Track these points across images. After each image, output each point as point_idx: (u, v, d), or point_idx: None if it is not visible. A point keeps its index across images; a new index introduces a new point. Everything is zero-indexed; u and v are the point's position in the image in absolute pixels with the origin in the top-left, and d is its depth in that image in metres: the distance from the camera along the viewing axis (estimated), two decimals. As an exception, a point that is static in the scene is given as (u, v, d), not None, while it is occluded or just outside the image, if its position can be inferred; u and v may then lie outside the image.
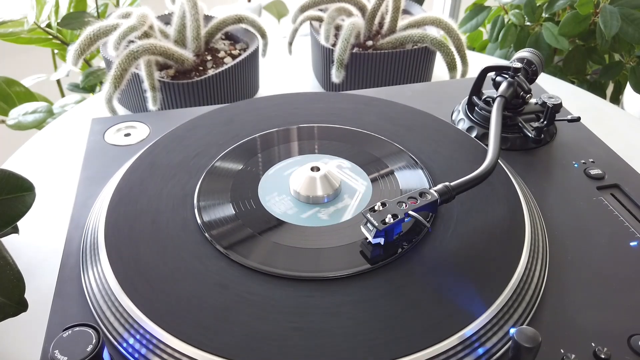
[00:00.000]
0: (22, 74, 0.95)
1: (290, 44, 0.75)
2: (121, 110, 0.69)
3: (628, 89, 1.00)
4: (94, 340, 0.29)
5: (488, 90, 0.54)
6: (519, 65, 0.50)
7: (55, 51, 0.98)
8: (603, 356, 0.32)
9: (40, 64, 1.03)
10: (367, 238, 0.37)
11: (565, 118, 0.51)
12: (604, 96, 0.98)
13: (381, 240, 0.37)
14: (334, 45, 0.68)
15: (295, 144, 0.49)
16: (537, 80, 0.56)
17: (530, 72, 0.52)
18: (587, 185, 0.46)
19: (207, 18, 0.71)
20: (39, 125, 0.81)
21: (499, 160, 0.43)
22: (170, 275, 0.36)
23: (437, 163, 0.46)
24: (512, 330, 0.31)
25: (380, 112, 0.53)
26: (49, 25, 0.90)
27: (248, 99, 0.66)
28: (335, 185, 0.42)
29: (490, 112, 0.49)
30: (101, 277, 0.36)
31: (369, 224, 0.36)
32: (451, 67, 0.68)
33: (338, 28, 0.70)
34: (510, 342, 0.32)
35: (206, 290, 0.35)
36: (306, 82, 0.78)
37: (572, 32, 0.88)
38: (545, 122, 0.50)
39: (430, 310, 0.33)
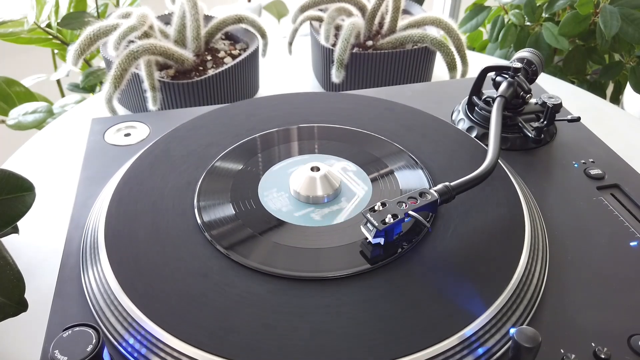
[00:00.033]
0: (22, 74, 0.95)
1: (290, 44, 0.75)
2: (121, 110, 0.69)
3: (628, 89, 1.00)
4: (94, 340, 0.29)
5: (488, 90, 0.54)
6: (519, 65, 0.50)
7: (55, 51, 0.98)
8: (603, 356, 0.32)
9: (40, 64, 1.03)
10: (367, 238, 0.37)
11: (565, 118, 0.51)
12: (604, 96, 0.98)
13: (381, 240, 0.37)
14: (334, 45, 0.68)
15: (295, 144, 0.49)
16: (537, 80, 0.56)
17: (530, 72, 0.52)
18: (587, 185, 0.46)
19: (207, 18, 0.71)
20: (39, 125, 0.81)
21: (499, 160, 0.43)
22: (170, 275, 0.36)
23: (437, 163, 0.46)
24: (512, 330, 0.31)
25: (380, 112, 0.53)
26: (49, 25, 0.90)
27: (248, 99, 0.66)
28: (335, 186, 0.42)
29: (490, 112, 0.49)
30: (101, 277, 0.36)
31: (369, 224, 0.36)
32: (451, 67, 0.68)
33: (338, 28, 0.70)
34: (510, 342, 0.32)
35: (206, 290, 0.35)
36: (306, 82, 0.78)
37: (572, 32, 0.88)
38: (545, 122, 0.50)
39: (430, 310, 0.33)
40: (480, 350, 0.32)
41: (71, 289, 0.37)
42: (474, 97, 0.54)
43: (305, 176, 0.42)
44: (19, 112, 0.81)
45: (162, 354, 0.32)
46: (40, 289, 0.44)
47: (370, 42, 0.72)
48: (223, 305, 0.34)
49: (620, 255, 0.40)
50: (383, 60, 0.67)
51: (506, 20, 0.98)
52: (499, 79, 0.51)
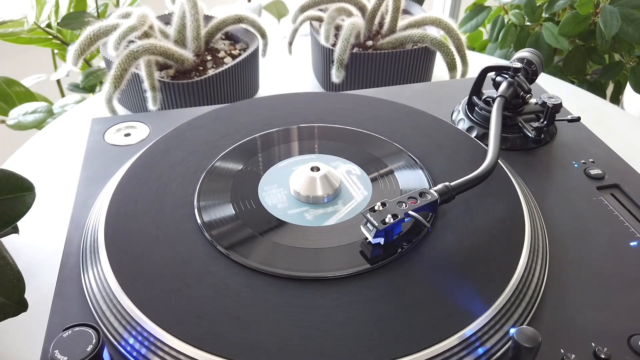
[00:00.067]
0: (22, 74, 0.95)
1: (290, 44, 0.75)
2: (121, 110, 0.69)
3: (628, 89, 1.00)
4: (94, 340, 0.29)
5: (488, 90, 0.54)
6: (519, 65, 0.50)
7: (55, 51, 0.98)
8: (603, 356, 0.32)
9: (40, 64, 1.03)
10: (367, 238, 0.37)
11: (565, 118, 0.51)
12: (604, 96, 0.98)
13: (381, 240, 0.37)
14: (334, 45, 0.68)
15: (295, 144, 0.49)
16: (537, 80, 0.56)
17: (530, 72, 0.52)
18: (587, 185, 0.46)
19: (207, 18, 0.71)
20: (39, 125, 0.81)
21: (499, 160, 0.43)
22: (170, 275, 0.36)
23: (437, 163, 0.46)
24: (512, 330, 0.31)
25: (380, 112, 0.53)
26: (49, 25, 0.90)
27: (248, 99, 0.66)
28: (335, 186, 0.42)
29: (490, 112, 0.49)
30: (101, 277, 0.36)
31: (369, 224, 0.36)
32: (451, 67, 0.68)
33: (338, 28, 0.70)
34: (510, 342, 0.32)
35: (206, 290, 0.35)
36: (306, 82, 0.78)
37: (572, 32, 0.88)
38: (545, 122, 0.50)
39: (430, 310, 0.33)
40: (480, 350, 0.32)
41: (71, 289, 0.37)
42: (474, 97, 0.54)
43: (305, 176, 0.42)
44: (19, 112, 0.82)
45: (162, 354, 0.32)
46: (40, 289, 0.44)
47: (370, 42, 0.72)
48: (223, 305, 0.34)
49: (620, 255, 0.40)
50: (383, 60, 0.67)
51: (506, 20, 0.98)
52: (499, 79, 0.51)
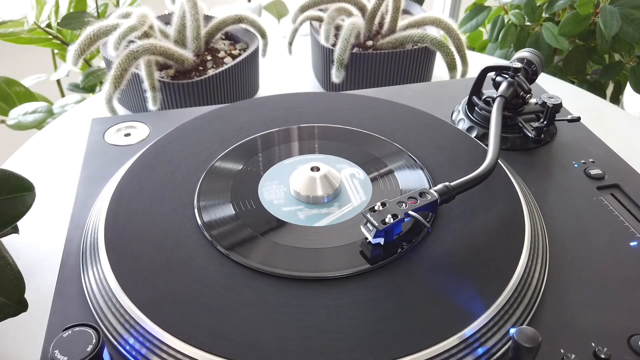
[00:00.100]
0: (22, 74, 0.95)
1: (290, 44, 0.75)
2: (121, 110, 0.69)
3: (628, 89, 1.00)
4: (94, 340, 0.29)
5: (488, 90, 0.54)
6: (519, 65, 0.50)
7: (55, 51, 0.98)
8: (603, 356, 0.32)
9: (40, 64, 1.03)
10: (367, 238, 0.37)
11: (565, 118, 0.51)
12: (604, 96, 0.98)
13: (381, 240, 0.37)
14: (334, 45, 0.68)
15: (295, 144, 0.49)
16: (537, 80, 0.56)
17: (530, 72, 0.52)
18: (587, 185, 0.46)
19: (207, 18, 0.71)
20: (39, 125, 0.81)
21: (499, 160, 0.43)
22: (170, 275, 0.36)
23: (437, 163, 0.46)
24: (512, 330, 0.31)
25: (380, 112, 0.53)
26: (49, 25, 0.90)
27: (248, 99, 0.66)
28: (335, 186, 0.42)
29: (490, 112, 0.49)
30: (101, 277, 0.36)
31: (369, 224, 0.36)
32: (451, 67, 0.68)
33: (338, 28, 0.70)
34: (510, 342, 0.32)
35: (206, 290, 0.35)
36: (306, 82, 0.78)
37: (572, 32, 0.88)
38: (545, 122, 0.50)
39: (430, 310, 0.33)
40: (480, 350, 0.32)
41: (71, 289, 0.37)
42: (474, 97, 0.54)
43: (306, 176, 0.42)
44: (19, 112, 0.82)
45: (162, 354, 0.32)
46: (40, 289, 0.44)
47: (370, 42, 0.72)
48: (223, 305, 0.34)
49: (620, 255, 0.40)
50: (383, 60, 0.67)
51: (506, 20, 0.98)
52: (499, 79, 0.51)
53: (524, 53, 0.52)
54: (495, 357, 0.32)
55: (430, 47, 0.68)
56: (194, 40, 0.67)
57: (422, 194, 0.38)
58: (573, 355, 0.32)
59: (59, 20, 0.85)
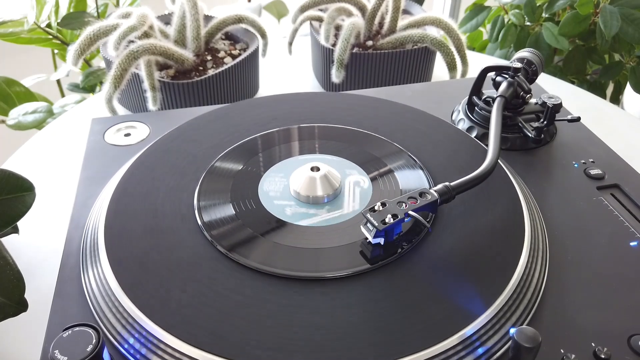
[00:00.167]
0: (22, 74, 0.95)
1: (290, 44, 0.75)
2: (121, 110, 0.69)
3: (628, 89, 1.00)
4: (94, 340, 0.29)
5: (488, 90, 0.54)
6: (519, 65, 0.50)
7: (55, 51, 0.98)
8: (603, 356, 0.32)
9: (40, 64, 1.03)
10: (367, 238, 0.37)
11: (565, 118, 0.51)
12: (604, 96, 0.98)
13: (381, 240, 0.37)
14: (334, 45, 0.68)
15: (295, 144, 0.49)
16: (537, 80, 0.56)
17: (530, 72, 0.52)
18: (587, 185, 0.46)
19: (207, 18, 0.71)
20: (39, 125, 0.81)
21: (499, 160, 0.43)
22: (170, 275, 0.36)
23: (437, 163, 0.46)
24: (512, 330, 0.31)
25: (380, 112, 0.53)
26: (49, 25, 0.90)
27: (248, 99, 0.66)
28: (335, 186, 0.42)
29: (490, 112, 0.49)
30: (101, 277, 0.36)
31: (369, 224, 0.36)
32: (451, 67, 0.68)
33: (338, 28, 0.70)
34: (510, 342, 0.32)
35: (206, 290, 0.35)
36: (306, 82, 0.78)
37: (572, 32, 0.88)
38: (545, 122, 0.50)
39: (431, 310, 0.33)
40: (480, 350, 0.32)
41: (71, 289, 0.37)
42: (474, 97, 0.54)
43: (306, 176, 0.42)
44: (19, 112, 0.82)
45: (162, 354, 0.32)
46: (40, 289, 0.44)
47: (370, 42, 0.72)
48: (223, 305, 0.34)
49: (620, 255, 0.40)
50: (383, 60, 0.67)
51: (506, 20, 0.98)
52: (499, 79, 0.51)
53: (524, 53, 0.52)
54: (495, 357, 0.32)
55: (430, 47, 0.68)
56: (194, 40, 0.67)
57: (422, 194, 0.38)
58: (573, 355, 0.32)
59: (59, 20, 0.85)
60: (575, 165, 0.48)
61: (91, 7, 0.93)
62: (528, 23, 0.96)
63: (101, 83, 0.86)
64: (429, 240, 0.38)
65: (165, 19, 0.74)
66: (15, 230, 0.45)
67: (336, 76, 0.66)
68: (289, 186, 0.43)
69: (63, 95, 0.99)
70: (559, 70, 0.96)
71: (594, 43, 0.93)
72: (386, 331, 0.32)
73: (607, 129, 0.63)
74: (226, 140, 0.49)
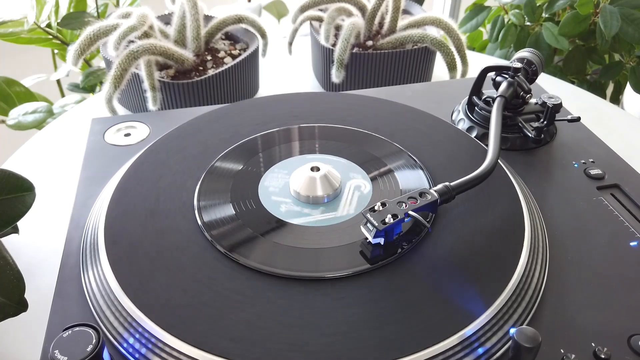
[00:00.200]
0: (22, 74, 0.95)
1: (290, 44, 0.75)
2: (121, 110, 0.69)
3: (628, 89, 1.00)
4: (94, 340, 0.29)
5: (488, 90, 0.54)
6: (519, 65, 0.50)
7: (55, 51, 0.98)
8: (603, 356, 0.32)
9: (40, 64, 1.03)
10: (367, 238, 0.37)
11: (565, 118, 0.51)
12: (604, 96, 0.98)
13: (381, 240, 0.37)
14: (334, 45, 0.68)
15: (295, 144, 0.49)
16: (537, 80, 0.56)
17: (530, 72, 0.52)
18: (587, 185, 0.46)
19: (207, 18, 0.71)
20: (39, 125, 0.81)
21: (499, 160, 0.43)
22: (170, 275, 0.36)
23: (437, 163, 0.46)
24: (512, 330, 0.31)
25: (380, 112, 0.53)
26: (49, 25, 0.90)
27: (248, 99, 0.66)
28: (335, 186, 0.42)
29: (490, 112, 0.49)
30: (101, 277, 0.36)
31: (369, 224, 0.36)
32: (451, 67, 0.68)
33: (338, 28, 0.70)
34: (510, 342, 0.32)
35: (206, 289, 0.35)
36: (306, 82, 0.78)
37: (572, 32, 0.88)
38: (545, 122, 0.50)
39: (430, 310, 0.33)
40: (480, 350, 0.32)
41: (71, 289, 0.37)
42: (474, 97, 0.54)
43: (306, 176, 0.42)
44: (19, 112, 0.82)
45: (162, 354, 0.32)
46: (40, 289, 0.44)
47: (370, 42, 0.72)
48: (223, 305, 0.34)
49: (620, 255, 0.40)
50: (383, 60, 0.67)
51: (506, 20, 0.98)
52: (499, 79, 0.51)
53: (524, 53, 0.52)
54: (495, 357, 0.32)
55: (430, 47, 0.68)
56: (194, 40, 0.67)
57: (422, 194, 0.38)
58: (573, 355, 0.32)
59: (59, 20, 0.85)
60: (575, 165, 0.48)
61: (91, 7, 0.93)
62: (528, 23, 0.96)
63: (101, 83, 0.86)
64: (429, 240, 0.38)
65: (165, 19, 0.74)
66: (15, 230, 0.45)
67: (336, 76, 0.66)
68: (289, 185, 0.43)
69: (63, 95, 0.99)
70: (559, 70, 0.96)
71: (594, 43, 0.93)
72: (386, 331, 0.32)
73: (607, 129, 0.63)
74: (226, 140, 0.49)
